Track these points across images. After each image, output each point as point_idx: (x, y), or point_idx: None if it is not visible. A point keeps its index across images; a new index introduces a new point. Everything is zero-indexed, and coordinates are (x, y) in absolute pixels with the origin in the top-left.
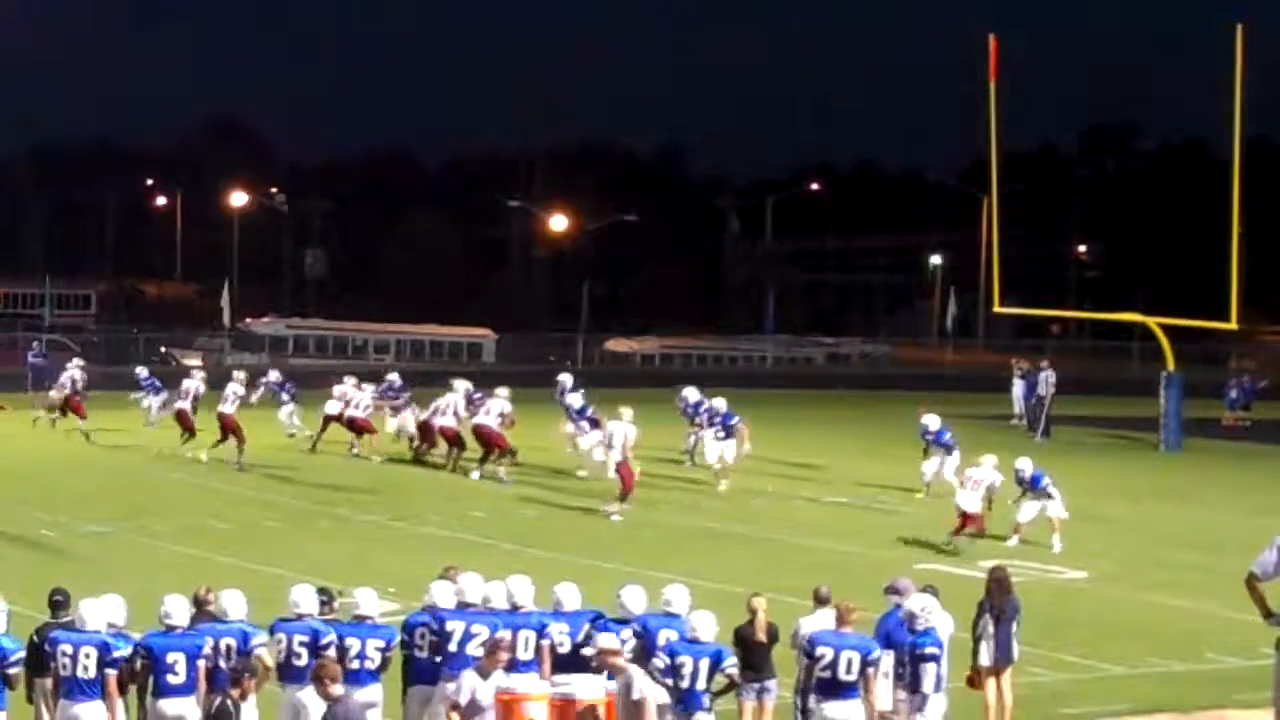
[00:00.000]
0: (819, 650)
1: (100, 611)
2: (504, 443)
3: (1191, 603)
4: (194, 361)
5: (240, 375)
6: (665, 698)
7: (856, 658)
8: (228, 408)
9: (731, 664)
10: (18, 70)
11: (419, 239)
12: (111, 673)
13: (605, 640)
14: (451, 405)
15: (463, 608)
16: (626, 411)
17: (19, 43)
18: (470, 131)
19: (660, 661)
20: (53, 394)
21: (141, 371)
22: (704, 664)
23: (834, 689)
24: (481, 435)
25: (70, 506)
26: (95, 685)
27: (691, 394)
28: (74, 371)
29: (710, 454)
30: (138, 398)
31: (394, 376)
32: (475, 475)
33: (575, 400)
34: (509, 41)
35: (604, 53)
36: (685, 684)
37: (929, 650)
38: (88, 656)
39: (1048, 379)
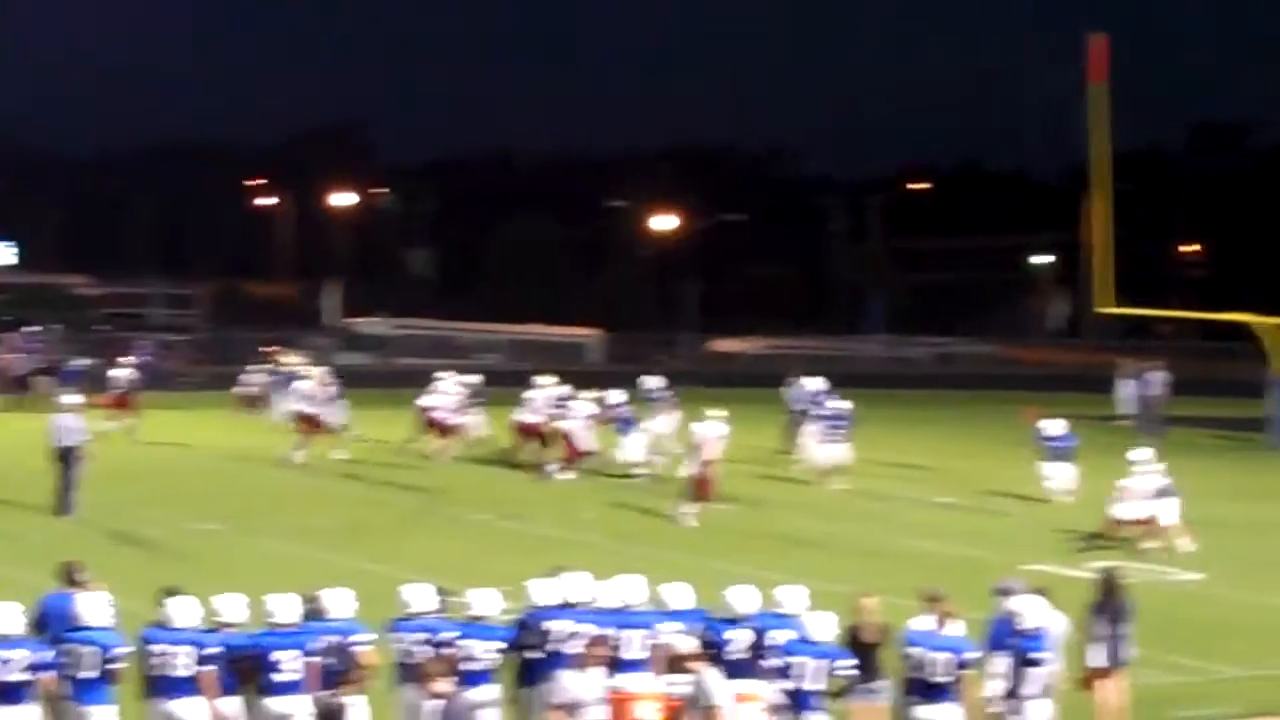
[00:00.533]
0: (909, 650)
1: (192, 610)
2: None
3: None
4: (296, 360)
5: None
6: (728, 699)
7: (949, 659)
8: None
9: (846, 666)
10: (125, 71)
11: (523, 238)
12: (207, 669)
13: (682, 643)
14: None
15: (566, 607)
16: (715, 414)
17: (126, 44)
18: (576, 131)
19: (775, 661)
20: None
21: (255, 375)
22: (819, 665)
23: (925, 691)
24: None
25: (179, 506)
26: (190, 683)
27: (813, 383)
28: (126, 370)
29: (820, 454)
30: (252, 393)
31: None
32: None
33: (615, 397)
34: (615, 42)
35: (710, 53)
36: (799, 684)
37: (1033, 654)
38: (180, 654)
39: (1160, 380)
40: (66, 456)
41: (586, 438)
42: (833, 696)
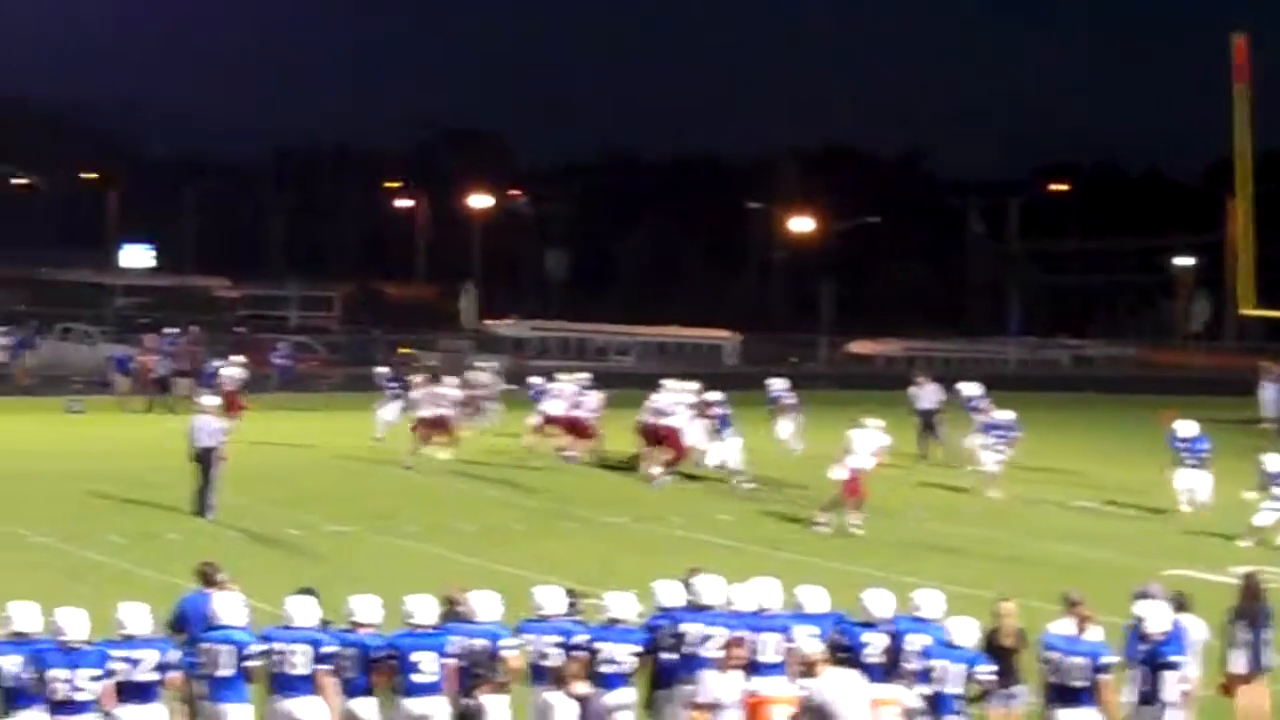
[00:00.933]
0: (1049, 655)
1: (310, 609)
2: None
3: None
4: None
5: (579, 377)
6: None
7: (1085, 664)
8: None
9: (986, 671)
10: (260, 74)
11: (659, 240)
12: (324, 669)
13: (809, 646)
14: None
15: (701, 609)
16: (872, 423)
17: (262, 48)
18: (712, 133)
19: (914, 665)
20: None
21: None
22: (959, 669)
23: (1064, 696)
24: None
25: (314, 506)
26: (307, 681)
27: (969, 388)
28: (233, 369)
29: (987, 459)
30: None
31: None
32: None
33: (713, 397)
34: (751, 43)
35: (847, 54)
36: (938, 688)
37: (1170, 658)
38: (299, 653)
39: None
40: (204, 458)
41: (692, 439)
42: (971, 701)
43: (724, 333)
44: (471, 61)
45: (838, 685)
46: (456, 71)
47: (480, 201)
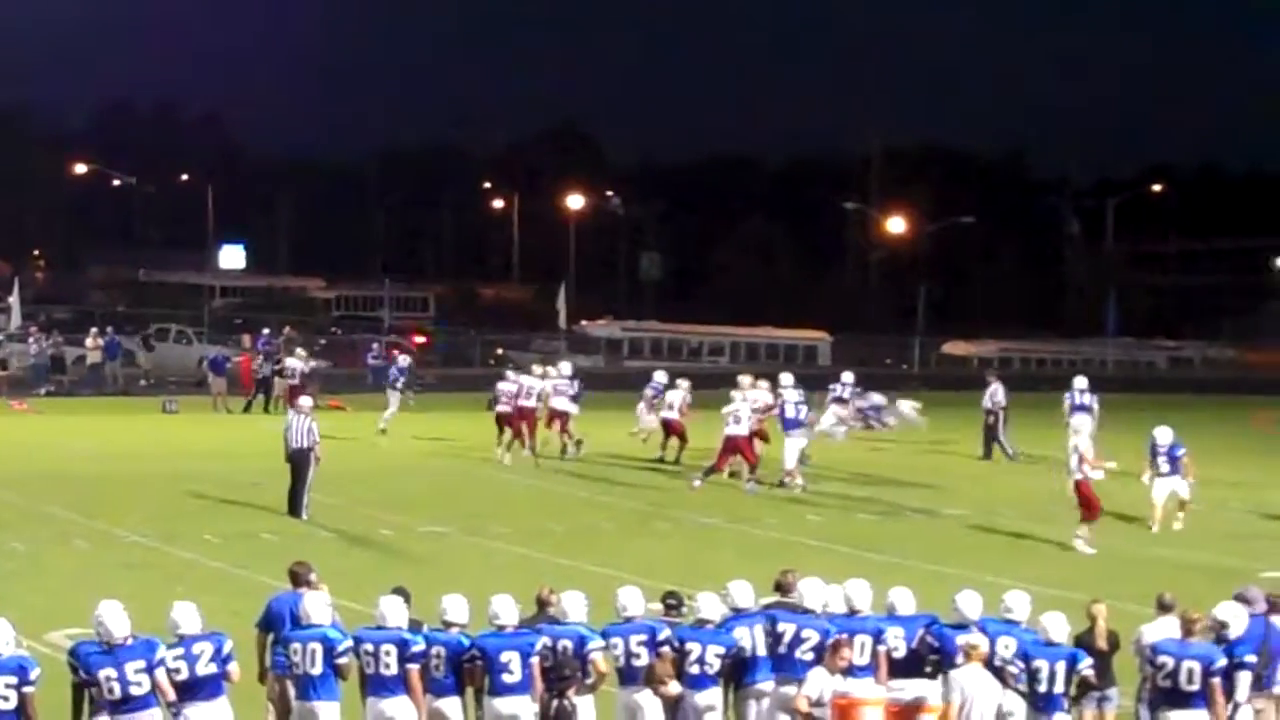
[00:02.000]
0: (1160, 659)
1: (399, 609)
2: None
3: None
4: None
5: (673, 380)
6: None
7: (1198, 667)
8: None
9: (1088, 665)
10: (360, 77)
11: (753, 241)
12: (413, 668)
13: (974, 638)
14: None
15: (796, 611)
16: (1084, 425)
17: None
18: (807, 133)
19: (1015, 667)
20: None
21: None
22: (1060, 666)
23: (1175, 699)
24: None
25: (407, 507)
26: (398, 681)
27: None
28: (298, 361)
29: (1158, 493)
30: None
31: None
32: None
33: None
34: (847, 42)
35: (945, 53)
36: (1043, 688)
37: (1244, 659)
38: (388, 653)
39: None
40: (298, 458)
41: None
42: (1075, 699)
43: (818, 333)
44: (570, 62)
45: (973, 680)
46: (557, 73)
47: (574, 202)
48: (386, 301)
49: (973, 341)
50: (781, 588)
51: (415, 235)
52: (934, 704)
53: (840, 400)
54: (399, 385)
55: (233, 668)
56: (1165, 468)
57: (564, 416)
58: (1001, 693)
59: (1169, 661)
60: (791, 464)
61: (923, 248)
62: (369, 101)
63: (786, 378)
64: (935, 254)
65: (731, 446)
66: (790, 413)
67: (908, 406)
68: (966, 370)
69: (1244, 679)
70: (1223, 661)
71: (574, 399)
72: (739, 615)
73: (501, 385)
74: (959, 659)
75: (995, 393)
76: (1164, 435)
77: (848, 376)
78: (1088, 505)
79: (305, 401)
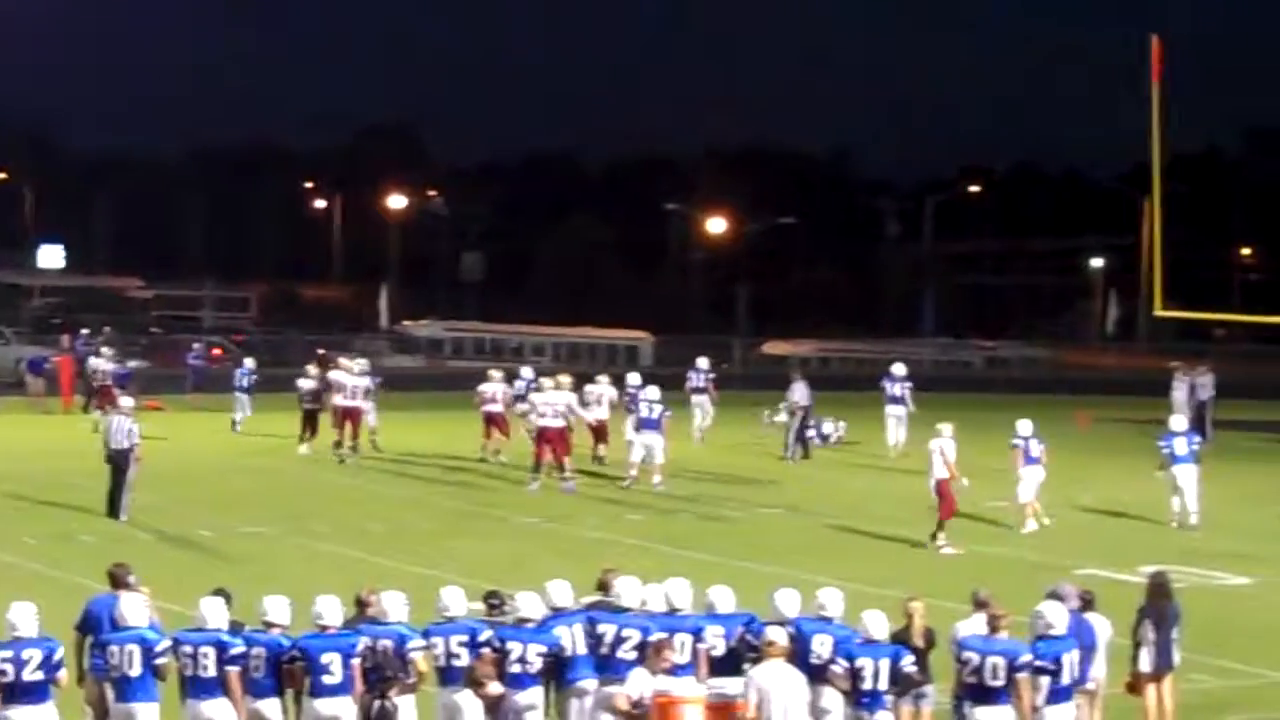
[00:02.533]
0: (965, 655)
1: (219, 610)
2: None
3: None
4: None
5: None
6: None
7: (1003, 663)
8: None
9: (910, 662)
10: (176, 73)
11: (576, 241)
12: (232, 670)
13: (773, 634)
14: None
15: (614, 610)
16: (946, 427)
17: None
18: (630, 134)
19: (839, 666)
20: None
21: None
22: (884, 664)
23: (982, 695)
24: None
25: (227, 507)
26: (217, 683)
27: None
28: (103, 362)
29: (1025, 487)
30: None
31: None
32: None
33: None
34: (671, 43)
35: (765, 54)
36: (867, 685)
37: (1040, 662)
38: (206, 655)
39: (1210, 383)
40: (118, 459)
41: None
42: (898, 696)
43: (640, 333)
44: (390, 61)
45: (771, 676)
46: (375, 71)
47: (396, 202)
48: (207, 301)
49: (792, 341)
50: (604, 587)
51: (236, 235)
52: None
53: (699, 390)
54: (246, 386)
55: (62, 675)
56: (1036, 452)
57: (356, 413)
58: (809, 689)
59: (974, 657)
60: (638, 457)
61: (744, 248)
62: (189, 99)
63: (634, 377)
64: (756, 254)
65: (546, 439)
66: (645, 412)
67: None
68: (787, 370)
69: (1042, 682)
70: (1027, 657)
71: (367, 395)
72: (559, 614)
73: (303, 382)
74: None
75: (794, 392)
76: (1025, 427)
77: (702, 362)
78: (946, 505)
79: (126, 402)
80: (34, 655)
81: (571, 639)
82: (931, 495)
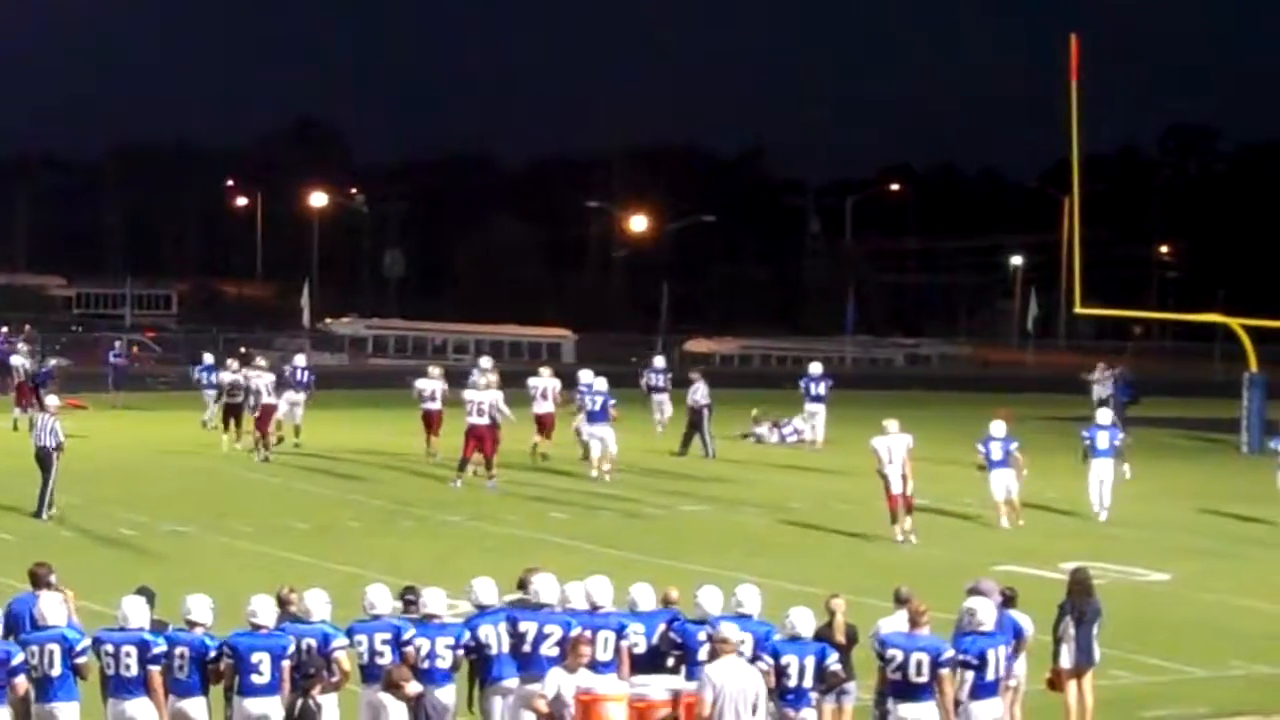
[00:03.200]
0: (889, 652)
1: (142, 609)
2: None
3: (1275, 605)
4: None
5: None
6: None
7: (926, 659)
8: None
9: (835, 660)
10: (100, 71)
11: (498, 239)
12: (154, 669)
13: (727, 631)
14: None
15: (533, 607)
16: (893, 424)
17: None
18: (551, 132)
19: (764, 664)
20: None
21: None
22: (810, 661)
23: (906, 691)
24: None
25: (150, 506)
26: (139, 682)
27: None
28: (22, 359)
29: (996, 487)
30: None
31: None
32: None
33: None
34: (592, 42)
35: (687, 52)
36: (792, 683)
37: (964, 657)
38: (129, 655)
39: (1118, 377)
40: (43, 457)
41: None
42: (824, 693)
43: (562, 331)
44: (312, 59)
45: (727, 673)
46: (296, 69)
47: (318, 199)
48: (129, 299)
49: (715, 339)
50: (524, 585)
51: (157, 233)
52: (667, 698)
53: (659, 389)
54: (206, 383)
55: (19, 680)
56: (997, 455)
57: (269, 410)
58: (761, 685)
59: (898, 654)
60: (599, 452)
61: (665, 246)
62: (109, 98)
63: (586, 374)
64: (678, 252)
65: (476, 436)
66: (590, 405)
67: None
68: (709, 368)
69: (968, 677)
70: (950, 653)
71: (270, 392)
72: (483, 612)
73: (224, 375)
74: (704, 653)
75: (695, 391)
76: (999, 428)
77: (659, 361)
78: (894, 498)
79: (52, 401)
80: None
81: (496, 636)
82: (891, 491)
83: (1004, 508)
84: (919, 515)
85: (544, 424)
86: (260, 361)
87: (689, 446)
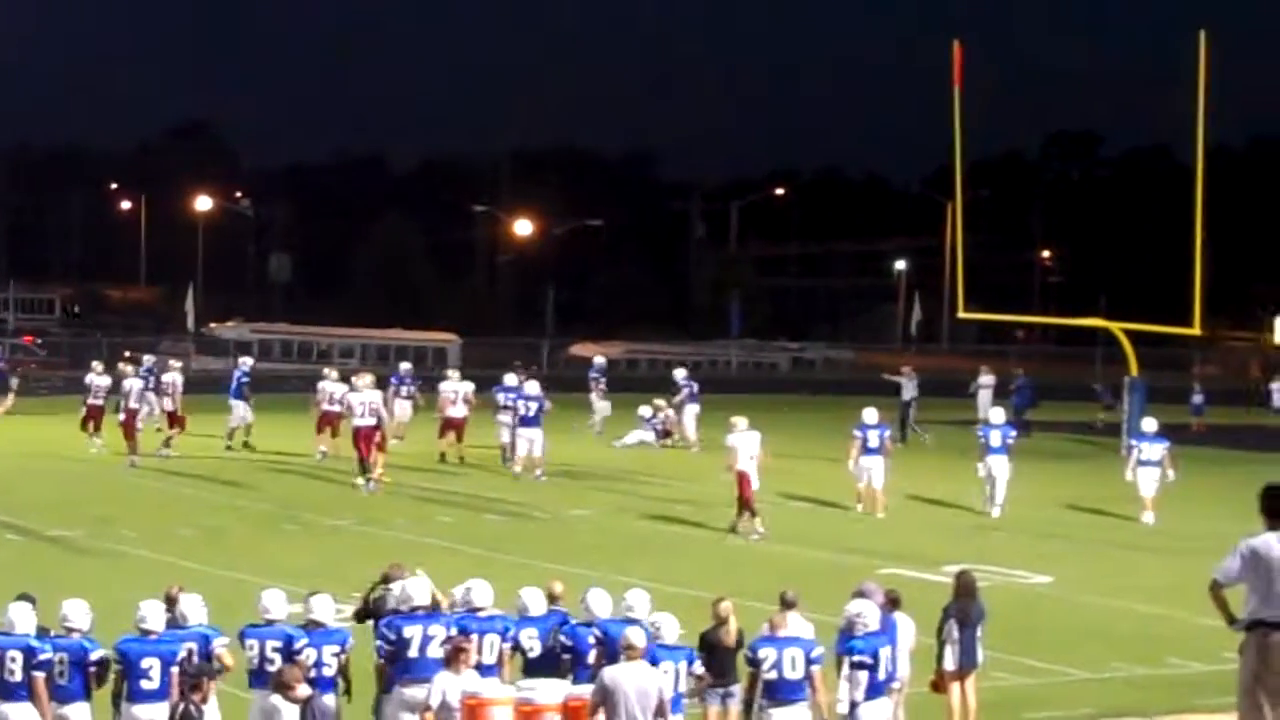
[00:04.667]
0: (762, 653)
1: (27, 615)
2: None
3: (1155, 608)
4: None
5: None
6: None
7: (800, 654)
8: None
9: (699, 665)
10: None
11: (385, 243)
12: (38, 675)
13: (634, 636)
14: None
15: (409, 611)
16: (740, 421)
17: None
18: (438, 135)
19: None
20: None
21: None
22: (681, 666)
23: (781, 691)
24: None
25: (34, 511)
26: (23, 688)
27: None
28: None
29: (860, 476)
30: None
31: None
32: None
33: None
34: (477, 44)
35: (571, 56)
36: (668, 692)
37: (859, 658)
38: (14, 660)
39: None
40: None
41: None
42: (689, 698)
43: (448, 335)
44: (198, 61)
45: (631, 677)
46: (182, 71)
47: (202, 203)
48: (11, 303)
49: (600, 343)
50: (387, 580)
51: (40, 236)
52: (556, 703)
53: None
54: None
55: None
56: (874, 442)
57: (132, 414)
58: (666, 688)
59: (772, 654)
60: (524, 452)
61: (551, 250)
62: None
63: (511, 377)
64: (564, 256)
65: (363, 437)
66: (524, 410)
67: None
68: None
69: (860, 678)
70: (820, 650)
71: (140, 396)
72: (390, 618)
73: (93, 378)
74: (593, 656)
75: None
76: (871, 415)
77: (600, 361)
78: (744, 497)
79: None
80: None
81: (384, 640)
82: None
83: (865, 493)
84: (805, 516)
85: (456, 427)
86: (127, 369)
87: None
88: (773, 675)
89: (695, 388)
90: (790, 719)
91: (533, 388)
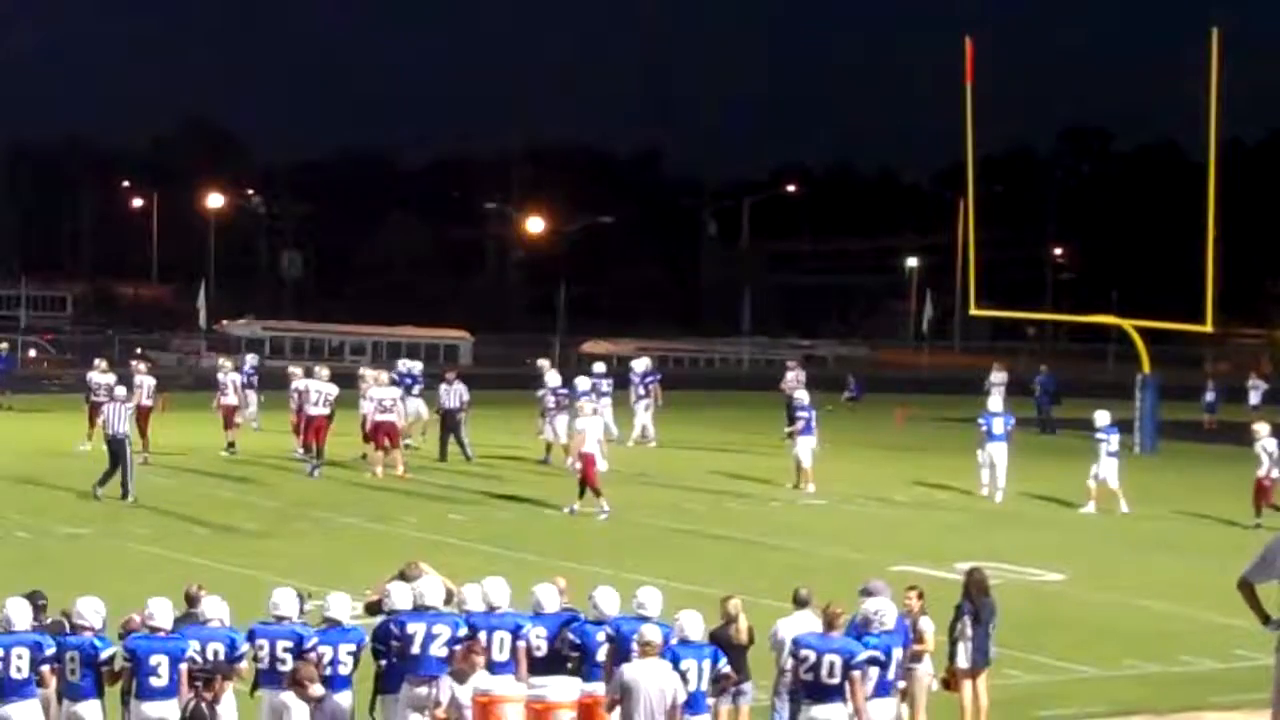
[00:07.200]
0: (803, 653)
1: (25, 612)
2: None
3: (1167, 605)
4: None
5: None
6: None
7: (839, 660)
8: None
9: (725, 662)
10: None
11: (396, 241)
12: (45, 669)
13: (650, 634)
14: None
15: (420, 610)
16: (589, 407)
17: None
18: (449, 134)
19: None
20: None
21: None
22: (706, 664)
23: (817, 692)
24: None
25: (45, 509)
26: (29, 685)
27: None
28: None
29: (802, 451)
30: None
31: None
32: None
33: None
34: (488, 43)
35: (582, 55)
36: (691, 686)
37: (874, 653)
38: (20, 657)
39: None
40: None
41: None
42: (714, 696)
43: (459, 333)
44: (210, 59)
45: (647, 674)
46: (196, 69)
47: (214, 200)
48: (23, 300)
49: (612, 341)
50: (403, 577)
51: (53, 233)
52: (569, 700)
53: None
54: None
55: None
56: (800, 425)
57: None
58: (680, 688)
59: (811, 655)
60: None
61: (562, 247)
62: (1, 96)
63: (554, 377)
64: (575, 253)
65: (315, 426)
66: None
67: None
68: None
69: (871, 675)
70: (864, 655)
71: (150, 394)
72: (398, 616)
73: (94, 376)
74: (602, 654)
75: (450, 393)
76: (803, 396)
77: (599, 367)
78: (588, 477)
79: None
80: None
81: (391, 638)
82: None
83: (803, 474)
84: (818, 514)
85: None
86: (140, 366)
87: (447, 451)
88: (810, 677)
89: (651, 382)
90: (827, 716)
91: (584, 383)
